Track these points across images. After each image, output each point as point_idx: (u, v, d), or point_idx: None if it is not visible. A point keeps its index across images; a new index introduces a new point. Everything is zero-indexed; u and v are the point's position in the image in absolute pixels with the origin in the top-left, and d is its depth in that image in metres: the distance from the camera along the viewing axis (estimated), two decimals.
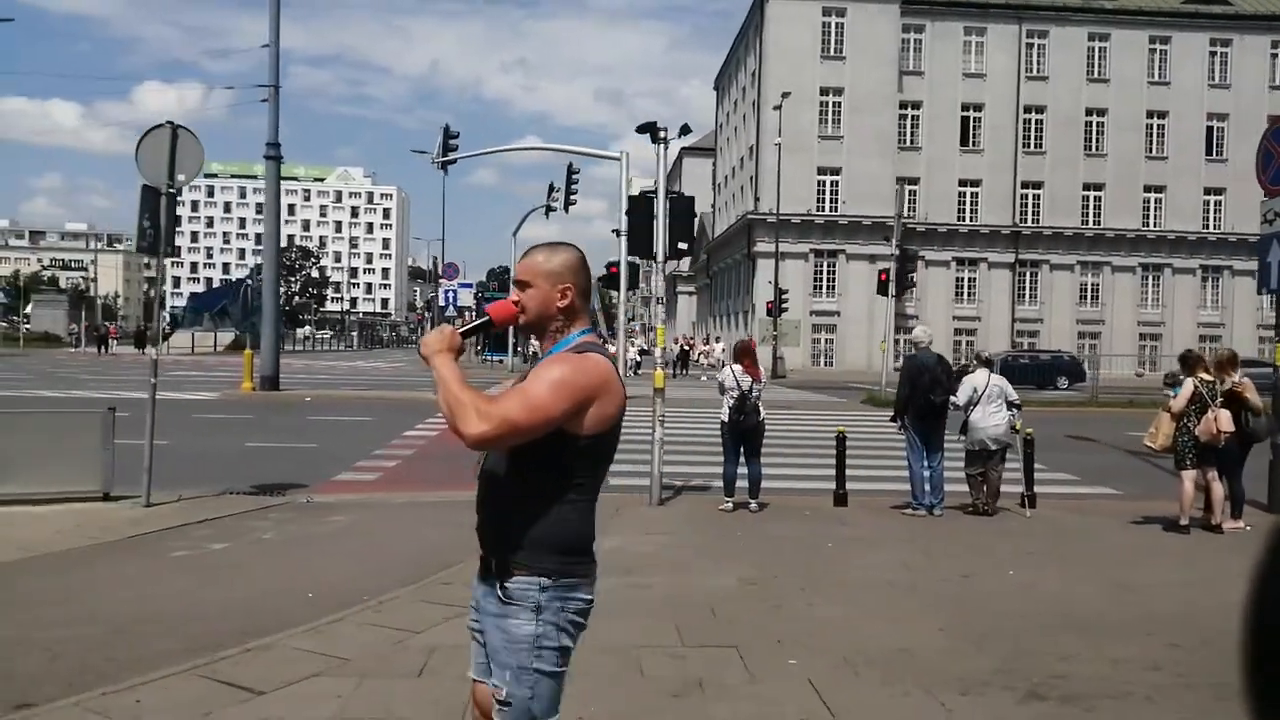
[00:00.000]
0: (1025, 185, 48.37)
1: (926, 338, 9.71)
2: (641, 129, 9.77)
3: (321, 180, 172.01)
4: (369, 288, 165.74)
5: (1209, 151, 48.55)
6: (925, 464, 9.34)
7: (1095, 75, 48.09)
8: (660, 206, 9.71)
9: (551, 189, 36.06)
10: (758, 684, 4.56)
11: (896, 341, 47.79)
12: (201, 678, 4.44)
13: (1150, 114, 48.23)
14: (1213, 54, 48.49)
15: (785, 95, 39.47)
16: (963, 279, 48.65)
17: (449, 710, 4.16)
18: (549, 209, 36.03)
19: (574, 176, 33.54)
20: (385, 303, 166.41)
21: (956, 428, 9.65)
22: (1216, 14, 48.20)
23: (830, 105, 46.67)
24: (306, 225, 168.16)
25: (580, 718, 4.11)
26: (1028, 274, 48.84)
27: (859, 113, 46.26)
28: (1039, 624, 5.69)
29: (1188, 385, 8.73)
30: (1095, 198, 48.62)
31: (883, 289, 25.10)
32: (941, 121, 47.77)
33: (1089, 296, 48.96)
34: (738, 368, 9.28)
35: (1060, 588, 6.67)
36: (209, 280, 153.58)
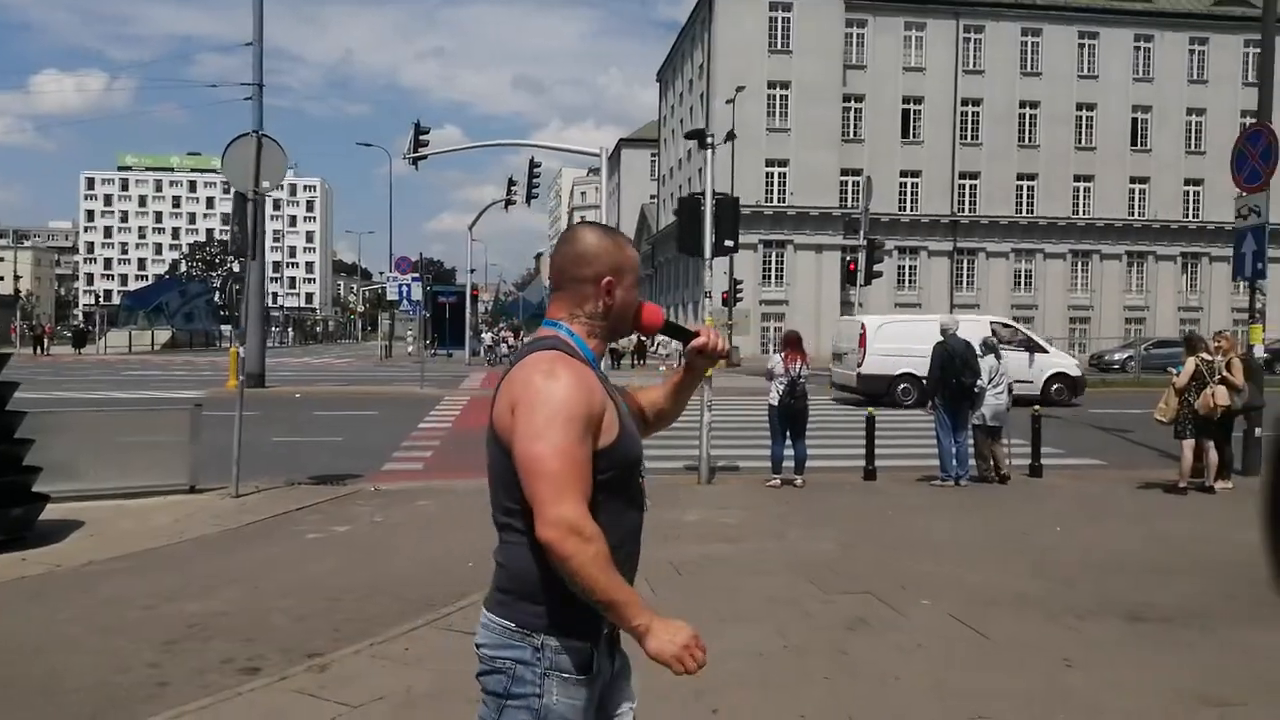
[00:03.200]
0: (963, 176, 50.28)
1: (954, 325, 10.70)
2: (690, 135, 10.53)
3: None
4: (293, 282, 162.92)
5: (1134, 142, 51.05)
6: (954, 439, 10.33)
7: (1028, 69, 50.15)
8: (709, 207, 10.49)
9: (511, 183, 36.63)
10: (907, 619, 5.41)
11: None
12: (443, 630, 5.14)
13: (1080, 106, 50.49)
14: (1136, 49, 50.92)
15: (740, 89, 40.48)
16: (904, 267, 50.38)
17: None
18: (509, 202, 36.54)
19: (535, 170, 34.17)
20: (310, 297, 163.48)
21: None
22: (1139, 10, 50.63)
23: (777, 98, 47.86)
24: (226, 219, 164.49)
25: (785, 645, 4.93)
26: (965, 261, 50.81)
27: (805, 105, 47.54)
28: (1107, 567, 6.66)
29: (1189, 364, 9.85)
30: (1029, 187, 50.75)
31: (850, 278, 26.26)
32: (883, 114, 49.36)
33: (1023, 282, 51.14)
34: (784, 355, 10.14)
35: (1107, 539, 7.67)
36: (123, 276, 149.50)
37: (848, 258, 30.90)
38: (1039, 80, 50.09)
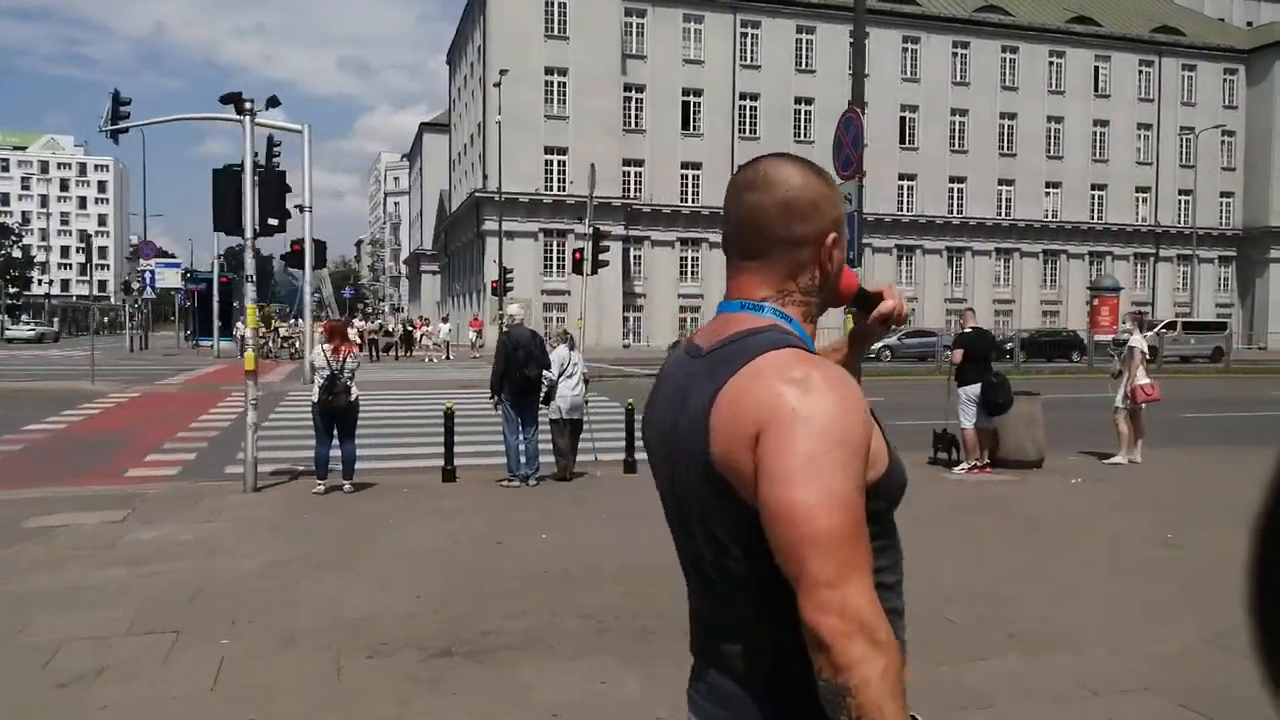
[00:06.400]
0: (742, 169, 50.78)
1: (520, 314, 9.99)
2: (225, 99, 9.38)
3: (23, 149, 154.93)
4: (83, 268, 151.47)
5: (902, 140, 53.08)
6: (521, 436, 9.61)
7: (803, 66, 51.28)
8: (248, 181, 9.37)
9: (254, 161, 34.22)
10: (167, 666, 4.48)
11: (626, 320, 49.38)
12: None
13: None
14: (904, 49, 52.94)
15: (503, 73, 39.46)
16: (687, 259, 50.68)
17: None
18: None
19: (275, 149, 32.02)
20: (104, 285, 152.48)
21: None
22: (906, 13, 52.61)
23: (555, 85, 47.04)
24: (5, 199, 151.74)
25: None
26: None
27: (584, 94, 46.92)
28: (528, 582, 5.96)
29: None
30: None
31: (577, 268, 25.59)
32: (664, 105, 49.38)
33: None
34: (328, 348, 9.14)
35: (584, 545, 7.03)
36: None
37: (575, 248, 30.27)
38: (813, 77, 51.30)
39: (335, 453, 9.25)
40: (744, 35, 50.34)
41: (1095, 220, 56.63)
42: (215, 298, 39.01)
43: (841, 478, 1.21)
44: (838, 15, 51.27)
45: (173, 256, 56.64)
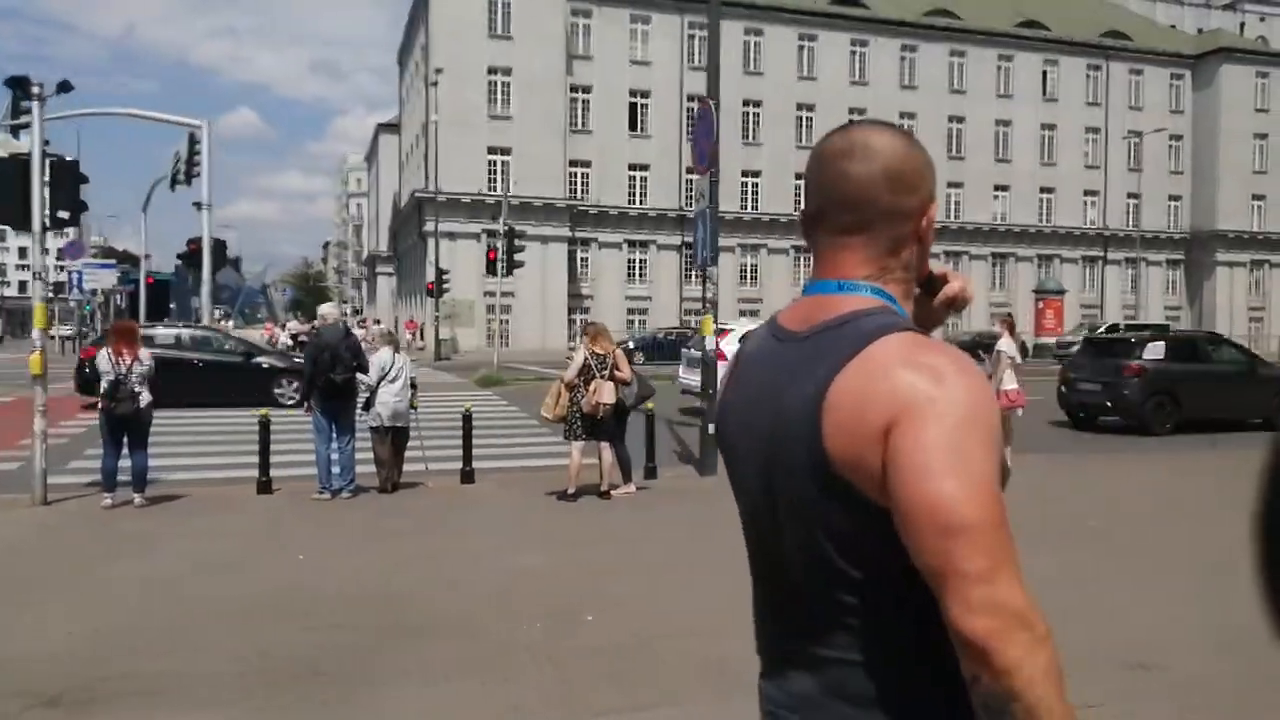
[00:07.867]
0: (690, 171, 50.31)
1: (333, 313, 9.39)
2: (9, 82, 8.72)
3: None
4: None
5: None
6: (334, 445, 9.01)
7: (751, 68, 50.88)
8: (36, 171, 8.71)
9: (177, 158, 33.31)
10: None
11: (573, 322, 48.73)
12: None
13: (800, 106, 51.70)
14: (852, 53, 52.71)
15: (439, 71, 38.82)
16: (634, 260, 50.14)
17: None
18: (174, 181, 33.26)
19: (196, 147, 31.14)
20: (61, 286, 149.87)
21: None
22: (855, 16, 52.42)
23: (499, 85, 46.35)
24: None
25: None
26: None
27: (528, 94, 46.25)
28: (226, 613, 5.36)
29: (578, 356, 8.91)
30: (754, 184, 51.57)
31: (491, 268, 25.06)
32: (611, 106, 48.79)
33: (749, 277, 52.05)
34: (112, 351, 8.48)
35: (339, 566, 6.45)
36: None
37: (489, 245, 29.67)
38: (761, 79, 50.93)
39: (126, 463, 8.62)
40: (691, 37, 49.80)
41: (1044, 223, 56.63)
42: (143, 298, 37.98)
43: (986, 466, 1.15)
44: (787, 18, 51.03)
45: (109, 257, 55.37)
